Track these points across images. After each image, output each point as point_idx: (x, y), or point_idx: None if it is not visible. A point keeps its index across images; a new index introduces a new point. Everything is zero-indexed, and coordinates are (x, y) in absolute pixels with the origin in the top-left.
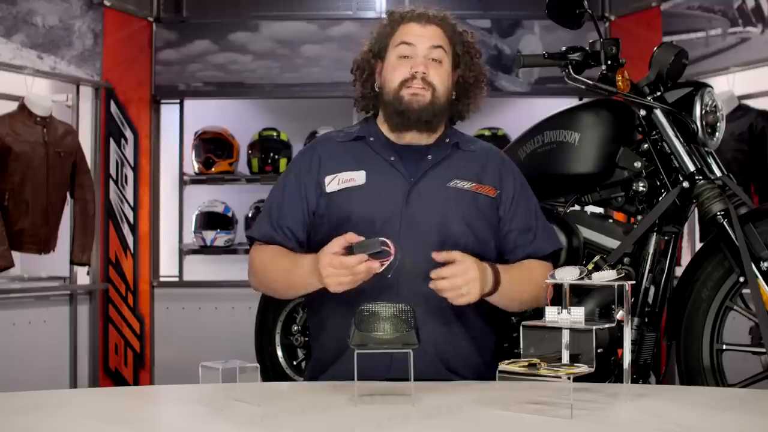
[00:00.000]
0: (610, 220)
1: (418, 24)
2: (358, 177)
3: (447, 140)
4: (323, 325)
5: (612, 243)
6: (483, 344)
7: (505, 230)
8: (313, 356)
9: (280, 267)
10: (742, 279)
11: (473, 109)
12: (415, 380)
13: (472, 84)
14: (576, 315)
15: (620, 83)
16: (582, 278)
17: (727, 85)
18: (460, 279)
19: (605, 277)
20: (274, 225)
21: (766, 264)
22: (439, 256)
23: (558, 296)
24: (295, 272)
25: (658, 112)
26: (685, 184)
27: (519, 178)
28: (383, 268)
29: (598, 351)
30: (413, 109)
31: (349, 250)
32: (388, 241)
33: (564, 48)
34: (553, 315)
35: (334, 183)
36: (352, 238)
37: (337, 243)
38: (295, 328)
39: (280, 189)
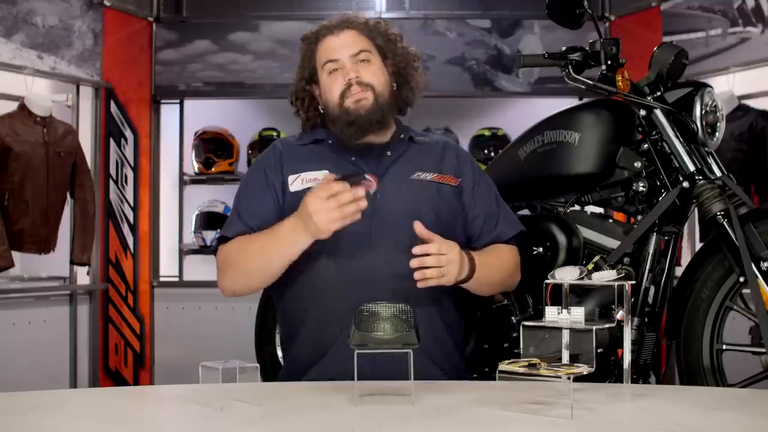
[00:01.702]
0: (610, 220)
1: (332, 36)
2: (321, 176)
3: (402, 136)
4: (296, 331)
5: (612, 243)
6: (455, 333)
7: (469, 217)
8: (287, 363)
9: (259, 243)
10: (742, 279)
11: (418, 93)
12: (402, 377)
13: (404, 68)
14: (576, 315)
15: (620, 83)
16: (582, 278)
17: (727, 85)
18: (445, 258)
19: (605, 277)
20: (248, 224)
21: (766, 264)
22: (419, 226)
23: (558, 296)
24: (276, 239)
25: (658, 112)
26: (685, 184)
27: (475, 166)
28: (369, 193)
29: (598, 351)
30: (361, 116)
31: None
32: (367, 175)
33: (564, 48)
34: (553, 315)
35: (297, 182)
36: (331, 177)
37: (319, 187)
38: None
39: (248, 189)
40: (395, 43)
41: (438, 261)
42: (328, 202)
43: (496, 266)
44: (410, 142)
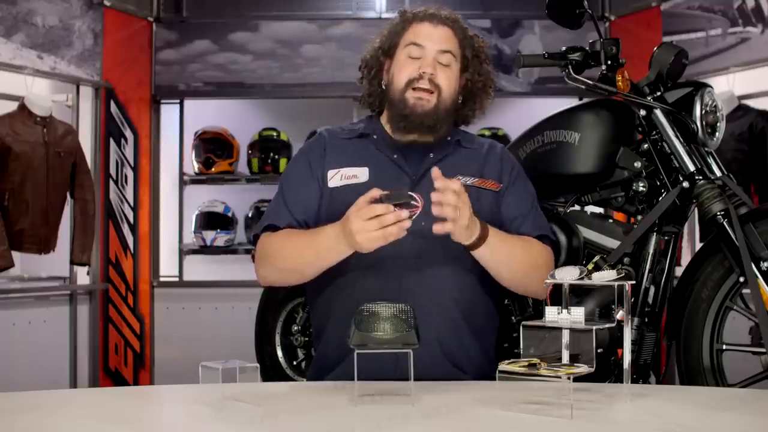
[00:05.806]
0: (610, 220)
1: (430, 24)
2: (361, 173)
3: (449, 138)
4: (325, 327)
5: (612, 243)
6: (486, 341)
7: (501, 216)
8: (315, 357)
9: (299, 243)
10: (742, 279)
11: (479, 114)
12: (422, 378)
13: (479, 89)
14: (576, 315)
15: (620, 83)
16: (582, 278)
17: (727, 85)
18: (461, 199)
19: (605, 277)
20: (294, 216)
21: (766, 264)
22: (436, 171)
23: (558, 296)
24: (318, 243)
25: (658, 112)
26: (685, 184)
27: (516, 169)
28: (412, 217)
29: (598, 351)
30: (417, 114)
31: (377, 203)
32: (414, 195)
33: (564, 48)
34: (553, 315)
35: (336, 178)
36: (377, 192)
37: (363, 199)
38: (295, 328)
39: (293, 177)
40: (481, 62)
41: (456, 199)
42: (370, 223)
43: (517, 247)
44: (456, 145)
